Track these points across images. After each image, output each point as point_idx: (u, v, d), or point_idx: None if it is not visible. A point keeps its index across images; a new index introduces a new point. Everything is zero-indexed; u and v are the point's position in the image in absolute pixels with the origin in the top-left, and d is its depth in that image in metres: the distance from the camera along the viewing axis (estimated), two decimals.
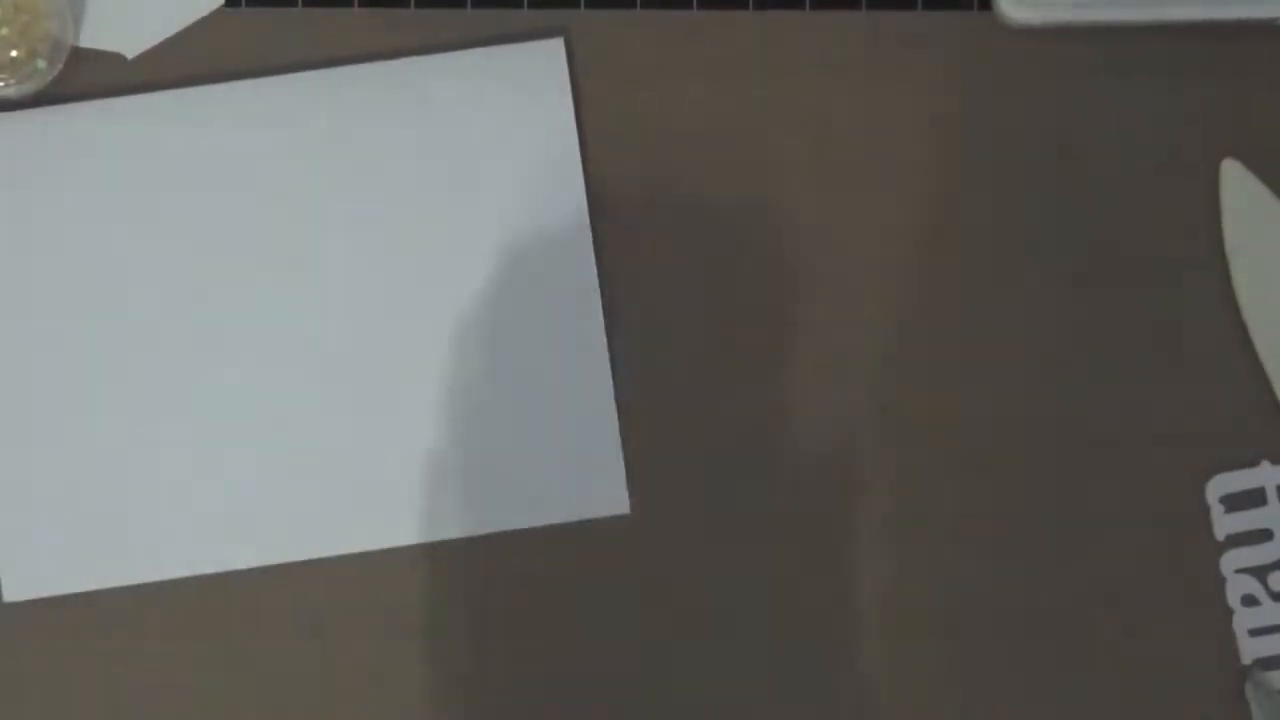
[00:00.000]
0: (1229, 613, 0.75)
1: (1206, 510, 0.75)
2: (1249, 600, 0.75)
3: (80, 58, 0.75)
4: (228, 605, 0.74)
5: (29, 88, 0.74)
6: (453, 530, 0.74)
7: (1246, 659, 0.75)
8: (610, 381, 0.75)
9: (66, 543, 0.74)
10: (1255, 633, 0.75)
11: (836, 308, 0.76)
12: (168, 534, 0.74)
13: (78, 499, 0.74)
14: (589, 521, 0.75)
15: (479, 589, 0.75)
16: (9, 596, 0.74)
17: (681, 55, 0.76)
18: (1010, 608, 0.75)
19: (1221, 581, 0.75)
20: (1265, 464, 0.75)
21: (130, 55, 0.75)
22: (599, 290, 0.75)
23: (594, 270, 0.75)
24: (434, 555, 0.74)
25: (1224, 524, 0.75)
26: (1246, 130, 0.76)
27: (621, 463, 0.75)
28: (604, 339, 0.74)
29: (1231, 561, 0.75)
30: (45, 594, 0.74)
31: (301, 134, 0.75)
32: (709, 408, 0.75)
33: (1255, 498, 0.75)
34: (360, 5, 0.76)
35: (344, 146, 0.75)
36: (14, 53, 0.73)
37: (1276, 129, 0.76)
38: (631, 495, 0.75)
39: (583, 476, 0.75)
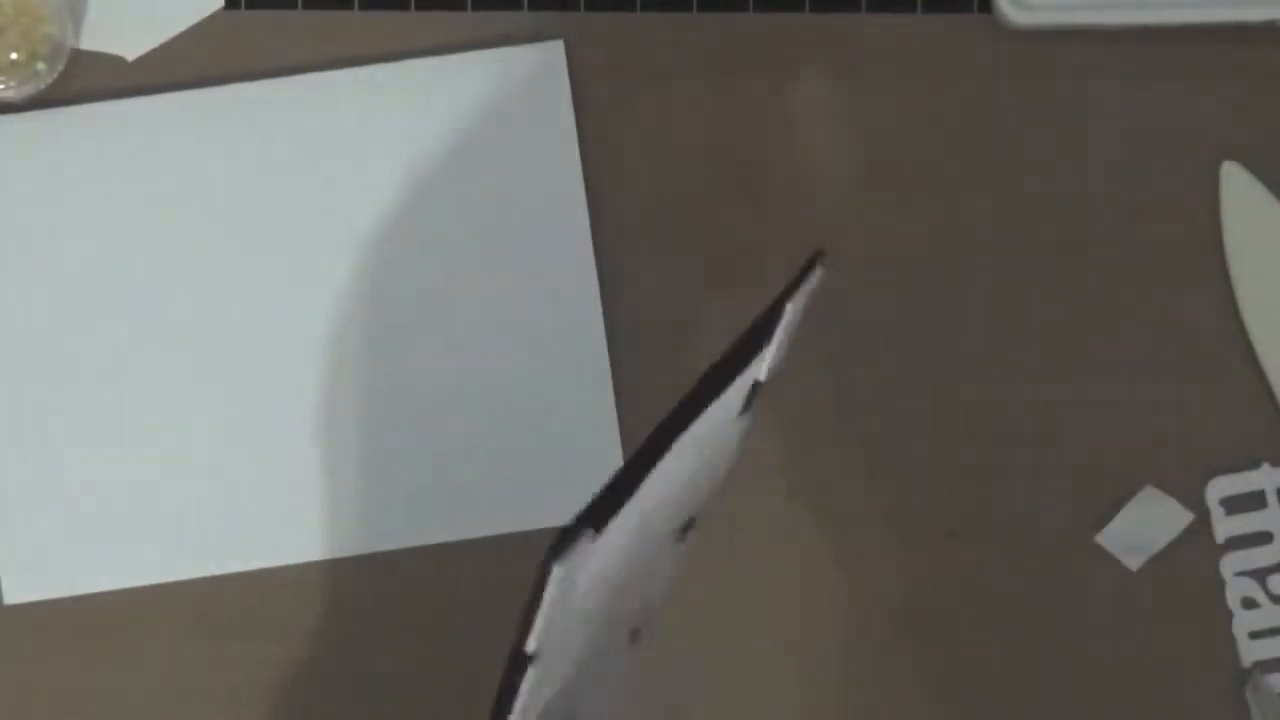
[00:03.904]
0: (1229, 615, 0.75)
1: (1206, 512, 0.75)
2: (1249, 603, 0.75)
3: (80, 60, 0.75)
4: (228, 607, 0.74)
5: (29, 90, 0.74)
6: (453, 533, 0.74)
7: (1246, 662, 0.75)
8: (610, 382, 0.74)
9: (66, 545, 0.74)
10: (1255, 635, 0.75)
11: (836, 307, 0.76)
12: (168, 537, 0.74)
13: (78, 501, 0.74)
14: None
15: (480, 591, 0.75)
16: (9, 599, 0.74)
17: (681, 57, 0.76)
18: (1010, 608, 0.75)
19: (1221, 584, 0.75)
20: (1265, 466, 0.75)
21: (130, 58, 0.75)
22: (599, 290, 0.75)
23: (594, 270, 0.75)
24: (435, 558, 0.74)
25: (1224, 526, 0.75)
26: (1246, 132, 0.76)
27: (621, 465, 0.74)
28: (604, 339, 0.74)
29: (1231, 564, 0.75)
30: (45, 596, 0.74)
31: (301, 136, 0.75)
32: None
33: (1255, 500, 0.75)
34: (360, 7, 0.76)
35: (344, 148, 0.75)
36: (14, 55, 0.73)
37: (1277, 131, 0.76)
38: None
39: (583, 478, 0.74)
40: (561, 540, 0.51)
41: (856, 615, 0.75)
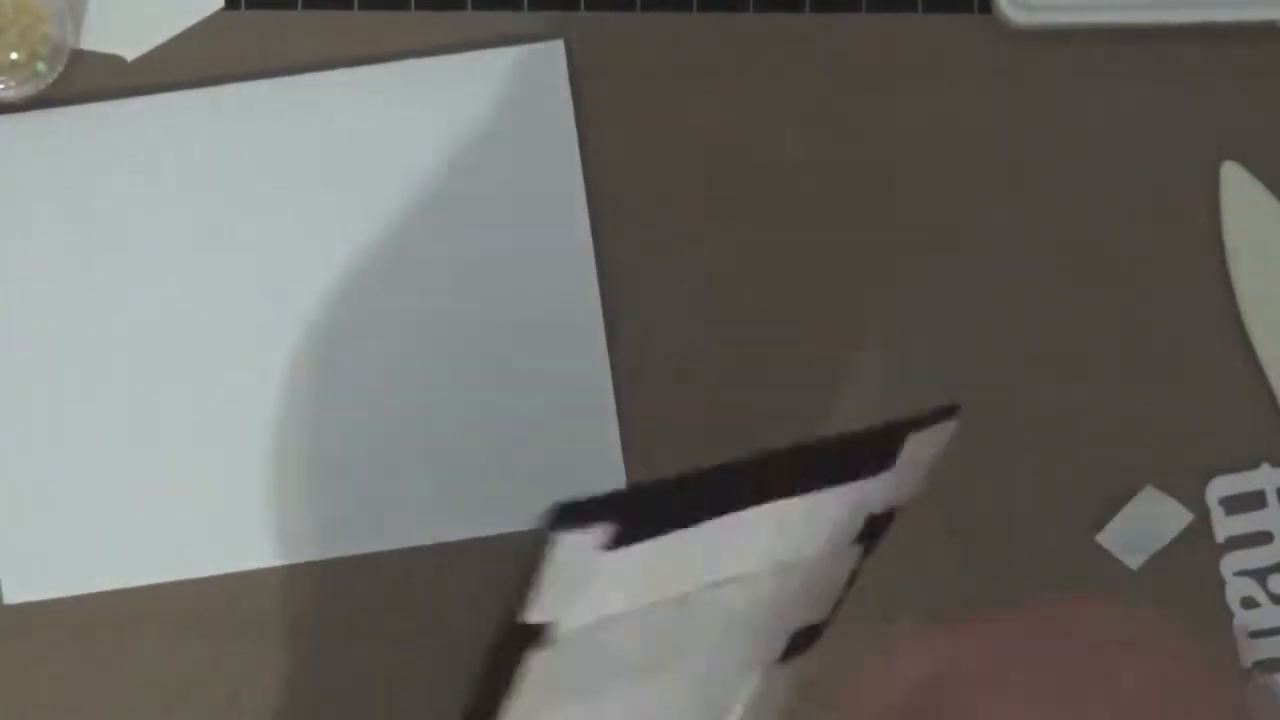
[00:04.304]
0: (1229, 615, 0.75)
1: (1206, 512, 0.75)
2: (1249, 603, 0.75)
3: (80, 60, 0.75)
4: (228, 607, 0.74)
5: (29, 90, 0.74)
6: (453, 533, 0.74)
7: (1246, 662, 0.75)
8: (610, 382, 0.74)
9: (66, 545, 0.74)
10: (1255, 635, 0.75)
11: (836, 307, 0.76)
12: (167, 536, 0.74)
13: (78, 501, 0.74)
14: None
15: (480, 591, 0.75)
16: (9, 598, 0.74)
17: (681, 57, 0.76)
18: (1010, 607, 0.75)
19: (1221, 584, 0.75)
20: (1265, 466, 0.75)
21: (130, 57, 0.75)
22: (599, 290, 0.75)
23: (594, 270, 0.75)
24: (435, 558, 0.74)
25: (1224, 526, 0.75)
26: (1246, 132, 0.76)
27: (621, 464, 0.75)
28: (604, 339, 0.74)
29: (1231, 564, 0.75)
30: (45, 596, 0.74)
31: (301, 136, 0.75)
32: (709, 408, 0.75)
33: (1255, 500, 0.75)
34: (360, 7, 0.76)
35: (344, 148, 0.75)
36: (14, 55, 0.73)
37: (1277, 131, 0.76)
38: None
39: (582, 478, 0.74)
40: (565, 513, 0.50)
41: (857, 614, 0.75)
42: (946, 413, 0.58)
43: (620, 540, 0.52)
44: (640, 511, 0.53)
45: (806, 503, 0.56)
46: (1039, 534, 0.75)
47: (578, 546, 0.50)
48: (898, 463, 0.57)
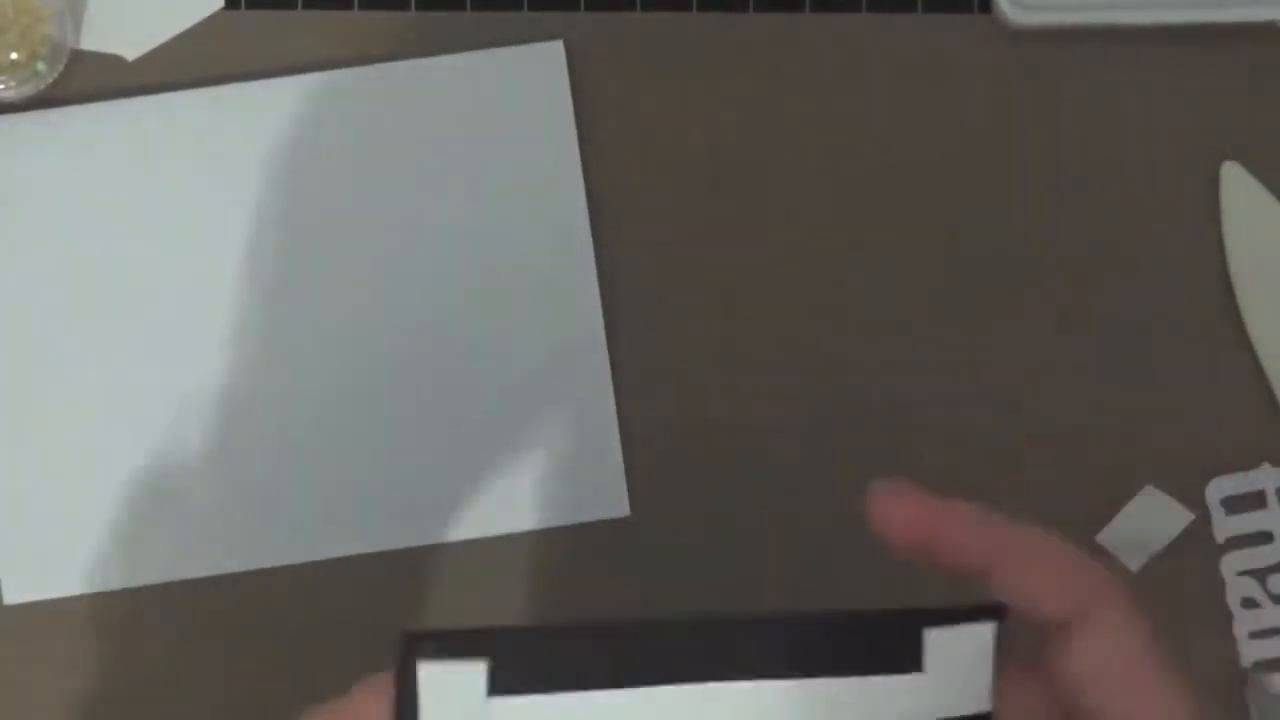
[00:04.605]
0: (1229, 615, 0.75)
1: (1206, 512, 0.75)
2: (1249, 603, 0.75)
3: (80, 60, 0.75)
4: (229, 607, 0.74)
5: (29, 90, 0.74)
6: (455, 533, 0.74)
7: (1246, 662, 0.75)
8: (610, 383, 0.74)
9: (66, 545, 0.74)
10: (1255, 635, 0.75)
11: (836, 309, 0.76)
12: (168, 536, 0.74)
13: (77, 500, 0.74)
14: (589, 524, 0.75)
15: (481, 591, 0.75)
16: (9, 598, 0.74)
17: (681, 57, 0.76)
18: None
19: (1221, 584, 0.75)
20: (1265, 466, 0.75)
21: (130, 57, 0.75)
22: (599, 291, 0.75)
23: (594, 271, 0.75)
24: (437, 558, 0.74)
25: (1224, 526, 0.75)
26: (1246, 132, 0.76)
27: (621, 465, 0.74)
28: (604, 340, 0.74)
29: (1231, 564, 0.75)
30: (46, 596, 0.74)
31: (302, 136, 0.75)
32: (709, 410, 0.75)
33: (1255, 500, 0.75)
34: (360, 7, 0.76)
35: (344, 149, 0.75)
36: (14, 55, 0.73)
37: (1276, 131, 0.76)
38: (631, 498, 0.75)
39: (583, 479, 0.75)
40: (424, 640, 0.42)
41: None
42: (984, 612, 0.48)
43: (501, 683, 0.44)
44: (515, 651, 0.45)
45: (796, 690, 0.46)
46: None
47: (450, 680, 0.44)
48: (926, 664, 0.48)
